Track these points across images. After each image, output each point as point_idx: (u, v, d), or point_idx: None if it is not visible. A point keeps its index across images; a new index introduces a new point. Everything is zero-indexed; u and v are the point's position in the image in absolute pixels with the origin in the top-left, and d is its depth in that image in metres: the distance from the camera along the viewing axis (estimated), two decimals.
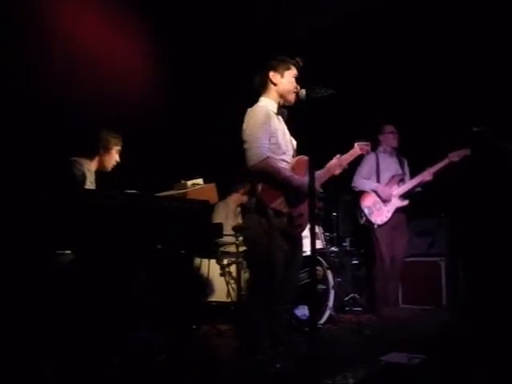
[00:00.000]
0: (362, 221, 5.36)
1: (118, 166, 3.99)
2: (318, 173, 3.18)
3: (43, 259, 3.20)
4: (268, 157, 2.97)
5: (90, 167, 3.80)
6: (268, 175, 2.97)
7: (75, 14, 4.68)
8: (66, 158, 3.72)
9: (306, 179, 2.97)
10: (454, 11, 5.39)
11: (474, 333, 4.07)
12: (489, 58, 5.49)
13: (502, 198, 5.42)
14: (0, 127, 4.04)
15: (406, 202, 5.25)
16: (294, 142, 3.32)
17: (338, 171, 3.30)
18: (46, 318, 3.08)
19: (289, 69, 3.18)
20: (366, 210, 5.30)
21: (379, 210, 5.26)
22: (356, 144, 3.40)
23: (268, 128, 3.02)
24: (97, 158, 3.86)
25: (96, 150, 3.85)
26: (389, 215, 5.23)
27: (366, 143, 3.44)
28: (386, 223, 5.24)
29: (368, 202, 5.31)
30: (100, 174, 3.94)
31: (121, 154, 3.98)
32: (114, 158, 3.92)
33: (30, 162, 4.02)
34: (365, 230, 5.47)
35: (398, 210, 5.26)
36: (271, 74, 3.17)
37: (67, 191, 3.46)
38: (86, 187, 3.62)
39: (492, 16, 5.30)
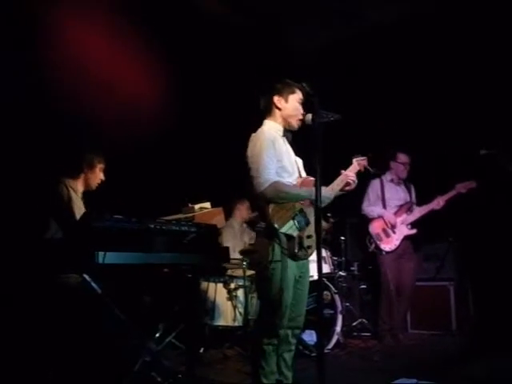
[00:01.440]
0: (371, 248, 5.31)
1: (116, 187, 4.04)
2: (325, 189, 3.13)
3: (48, 281, 3.21)
4: (275, 181, 2.98)
5: (77, 187, 3.84)
6: (278, 198, 2.98)
7: (85, 37, 4.76)
8: (53, 179, 3.77)
9: (313, 189, 2.91)
10: (463, 35, 5.44)
11: (484, 357, 4.01)
12: (497, 83, 5.52)
13: (510, 221, 5.39)
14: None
15: (414, 231, 5.23)
16: (300, 162, 3.32)
17: (348, 187, 3.25)
18: (54, 340, 3.08)
19: (293, 93, 3.17)
20: (375, 237, 5.27)
21: (388, 237, 5.23)
22: (354, 160, 3.37)
23: (273, 152, 3.02)
24: (82, 177, 3.90)
25: (80, 169, 3.89)
26: (397, 243, 5.20)
27: (362, 158, 3.40)
28: (393, 251, 5.21)
29: (377, 229, 5.28)
30: (105, 197, 3.99)
31: (107, 174, 4.01)
32: (98, 176, 3.96)
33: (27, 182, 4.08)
34: (373, 258, 5.43)
35: (405, 238, 5.24)
36: (276, 98, 3.16)
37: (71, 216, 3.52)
38: (73, 210, 3.65)
39: (501, 44, 5.35)
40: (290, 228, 2.96)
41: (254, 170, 2.99)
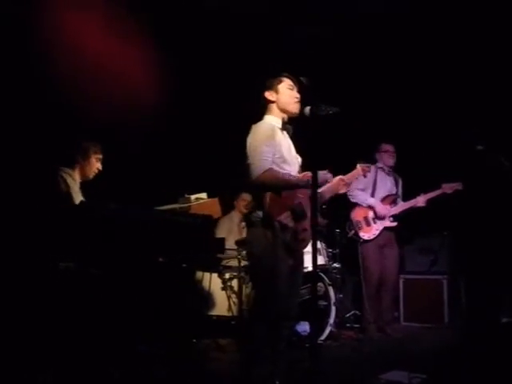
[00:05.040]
0: (350, 234, 5.39)
1: (111, 176, 4.03)
2: (321, 191, 3.18)
3: (43, 269, 3.21)
4: (270, 168, 3.00)
5: (74, 176, 3.84)
6: (271, 185, 3.00)
7: (80, 22, 4.72)
8: (52, 167, 3.76)
9: (305, 179, 3.03)
10: (457, 31, 5.44)
11: (476, 352, 4.04)
12: (491, 77, 5.54)
13: (505, 217, 5.42)
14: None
15: (394, 224, 5.27)
16: (300, 159, 3.33)
17: (342, 190, 3.30)
18: (47, 329, 3.08)
19: (281, 82, 3.20)
20: (355, 224, 5.33)
21: (368, 226, 5.29)
22: (358, 165, 3.41)
23: (272, 142, 3.04)
24: (77, 167, 3.88)
25: (75, 158, 3.87)
26: (376, 233, 5.26)
27: (367, 165, 3.46)
28: (371, 240, 5.26)
29: (359, 217, 5.34)
30: (101, 186, 3.98)
31: (104, 163, 3.99)
32: (94, 166, 3.93)
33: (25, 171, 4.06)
34: (352, 244, 5.47)
35: (385, 229, 5.27)
36: (266, 94, 3.20)
37: (68, 204, 3.52)
38: (72, 197, 3.65)
39: (494, 40, 5.36)
40: (286, 217, 2.97)
41: (252, 157, 3.03)
